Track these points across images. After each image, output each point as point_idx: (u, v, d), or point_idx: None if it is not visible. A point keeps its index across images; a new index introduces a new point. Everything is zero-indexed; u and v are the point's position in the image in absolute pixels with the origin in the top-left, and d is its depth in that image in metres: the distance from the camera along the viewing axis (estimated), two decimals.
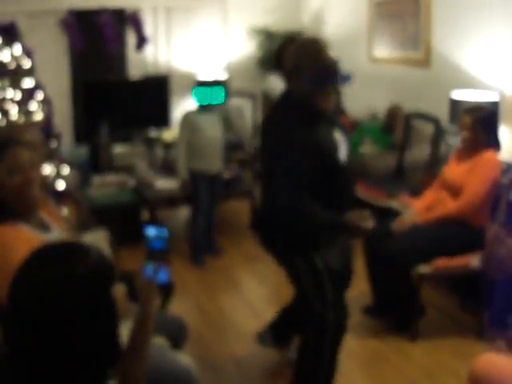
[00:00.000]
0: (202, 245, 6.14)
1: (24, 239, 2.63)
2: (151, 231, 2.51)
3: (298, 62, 3.33)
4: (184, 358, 3.01)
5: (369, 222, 3.38)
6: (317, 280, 3.48)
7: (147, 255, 2.48)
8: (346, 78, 3.48)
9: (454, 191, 4.54)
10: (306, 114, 3.34)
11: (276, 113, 3.59)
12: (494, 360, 2.93)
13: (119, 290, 2.75)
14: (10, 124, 5.66)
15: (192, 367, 2.98)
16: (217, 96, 6.04)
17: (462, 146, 4.66)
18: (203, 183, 5.95)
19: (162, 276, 2.46)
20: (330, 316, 3.49)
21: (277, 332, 4.31)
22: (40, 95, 5.95)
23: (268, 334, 4.32)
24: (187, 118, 5.96)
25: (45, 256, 1.90)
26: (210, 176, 5.99)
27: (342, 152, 3.44)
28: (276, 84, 5.23)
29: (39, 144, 3.84)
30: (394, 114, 6.78)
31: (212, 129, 5.97)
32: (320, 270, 3.46)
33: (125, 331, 2.34)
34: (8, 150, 2.77)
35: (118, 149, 7.44)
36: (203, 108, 6.00)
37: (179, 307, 4.49)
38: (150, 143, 7.49)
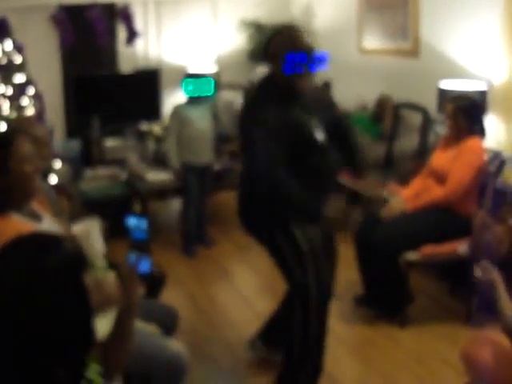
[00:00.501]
0: (194, 236, 6.20)
1: (16, 228, 2.67)
2: (132, 222, 2.55)
3: (277, 47, 3.56)
4: (174, 344, 3.07)
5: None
6: (297, 252, 3.58)
7: (130, 245, 2.52)
8: (322, 61, 3.65)
9: (440, 178, 4.62)
10: (282, 94, 3.54)
11: (254, 96, 3.80)
12: (484, 337, 2.99)
13: (111, 278, 2.81)
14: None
15: (183, 352, 3.03)
16: (206, 88, 6.10)
17: (446, 133, 4.77)
18: (193, 175, 6.02)
19: (144, 266, 2.48)
20: (312, 285, 3.57)
21: (267, 337, 4.32)
22: (31, 90, 6.00)
23: (258, 340, 4.32)
24: (177, 110, 6.05)
25: (17, 246, 1.97)
26: (200, 168, 6.06)
27: (319, 135, 3.59)
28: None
29: (47, 140, 3.89)
30: (382, 104, 6.83)
31: (201, 121, 6.03)
32: (300, 244, 3.56)
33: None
34: (19, 139, 2.83)
35: (110, 142, 7.46)
36: (192, 100, 6.05)
37: (171, 297, 4.55)
38: (142, 136, 7.51)
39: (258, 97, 3.69)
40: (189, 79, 6.10)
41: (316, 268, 3.58)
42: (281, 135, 3.41)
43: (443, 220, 4.56)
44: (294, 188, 3.50)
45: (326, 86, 7.31)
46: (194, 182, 6.05)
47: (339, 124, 3.93)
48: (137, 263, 2.47)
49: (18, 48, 6.01)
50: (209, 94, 6.21)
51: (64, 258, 1.93)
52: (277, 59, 3.54)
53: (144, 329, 2.97)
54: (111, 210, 6.10)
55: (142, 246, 2.53)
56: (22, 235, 2.03)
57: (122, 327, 2.40)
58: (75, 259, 1.98)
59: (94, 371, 2.10)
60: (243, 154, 3.82)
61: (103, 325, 2.44)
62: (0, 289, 1.88)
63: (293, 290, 3.72)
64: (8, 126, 5.48)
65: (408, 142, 6.37)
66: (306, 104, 3.61)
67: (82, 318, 1.99)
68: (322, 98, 4.24)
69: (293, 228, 3.56)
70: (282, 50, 3.52)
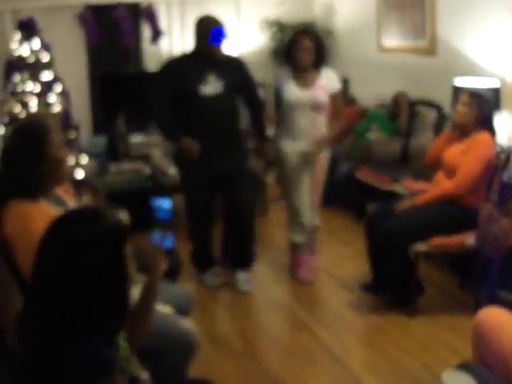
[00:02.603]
0: None
1: (43, 213, 2.90)
2: (157, 202, 2.77)
3: (195, 27, 5.05)
4: (186, 323, 3.25)
5: (194, 146, 4.92)
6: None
7: (154, 224, 2.73)
8: (219, 35, 4.94)
9: (450, 172, 4.70)
10: (193, 56, 5.07)
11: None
12: (495, 313, 3.10)
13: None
14: (33, 113, 5.91)
15: (193, 330, 3.22)
16: None
17: (456, 121, 4.77)
18: None
19: (168, 242, 2.72)
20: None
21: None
22: (58, 88, 6.15)
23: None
24: None
25: (68, 219, 2.23)
26: None
27: (209, 88, 4.94)
28: (282, 78, 5.35)
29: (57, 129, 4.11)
30: (398, 101, 6.93)
31: None
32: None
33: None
34: (52, 128, 3.09)
35: (135, 138, 7.65)
36: None
37: (188, 283, 4.75)
38: None
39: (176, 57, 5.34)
40: None
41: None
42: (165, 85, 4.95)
43: (452, 212, 4.63)
44: (163, 120, 5.08)
45: (344, 82, 7.41)
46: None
47: (247, 84, 5.35)
48: (161, 240, 2.70)
49: (46, 46, 6.15)
50: None
51: (108, 229, 2.18)
52: (195, 34, 5.02)
53: (160, 309, 3.15)
54: (135, 203, 6.29)
55: (165, 225, 2.76)
56: (71, 210, 2.30)
57: (146, 302, 2.61)
58: (118, 230, 2.22)
59: (121, 337, 2.32)
60: None
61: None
62: (52, 260, 2.13)
63: None
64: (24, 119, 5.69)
65: (423, 139, 6.47)
66: (216, 65, 4.99)
67: (120, 286, 2.23)
68: (231, 60, 5.29)
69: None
70: (197, 27, 5.02)
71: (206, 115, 4.96)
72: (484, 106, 4.76)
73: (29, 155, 2.95)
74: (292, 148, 5.24)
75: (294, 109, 5.17)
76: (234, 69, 5.19)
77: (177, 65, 5.09)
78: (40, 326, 2.15)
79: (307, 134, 5.20)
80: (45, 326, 2.14)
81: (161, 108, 4.98)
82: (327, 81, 5.21)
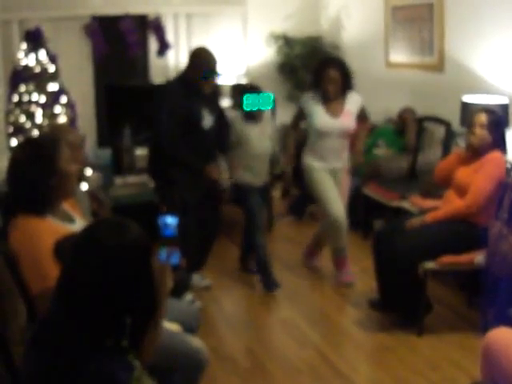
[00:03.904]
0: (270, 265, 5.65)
1: (51, 230, 2.89)
2: (163, 219, 2.75)
3: (191, 58, 5.11)
4: (195, 340, 3.20)
5: (216, 174, 5.13)
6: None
7: (160, 242, 2.70)
8: (214, 74, 5.12)
9: (461, 191, 4.65)
10: (191, 89, 5.03)
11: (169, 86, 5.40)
12: (506, 333, 3.06)
13: None
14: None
15: (203, 348, 3.17)
16: (265, 103, 5.72)
17: (473, 144, 4.66)
18: (255, 197, 5.69)
19: (174, 259, 2.71)
20: None
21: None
22: (64, 99, 6.14)
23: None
24: (232, 124, 5.71)
25: (99, 228, 2.25)
26: (259, 189, 5.79)
27: (206, 123, 5.07)
28: (311, 104, 5.44)
29: (80, 145, 4.10)
30: (404, 117, 6.91)
31: (261, 140, 5.72)
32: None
33: None
34: (63, 142, 3.11)
35: (140, 151, 7.61)
36: (250, 116, 5.66)
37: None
38: None
39: (172, 87, 5.19)
40: (249, 94, 5.62)
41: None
42: (175, 115, 4.92)
43: (462, 231, 4.57)
44: (184, 153, 5.04)
45: None
46: (258, 205, 5.66)
47: (221, 115, 5.49)
48: (168, 257, 2.69)
49: (52, 57, 6.14)
50: (268, 108, 5.86)
51: (138, 237, 2.22)
52: (189, 65, 5.09)
53: (167, 327, 3.11)
54: (140, 217, 6.25)
55: (171, 242, 2.73)
56: (101, 219, 2.31)
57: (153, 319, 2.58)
58: (146, 240, 2.26)
59: (133, 356, 2.31)
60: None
61: None
62: (87, 263, 2.16)
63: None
64: (44, 131, 5.67)
65: (431, 155, 6.44)
66: (205, 99, 5.09)
67: (149, 293, 2.29)
68: (215, 97, 5.52)
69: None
70: (192, 62, 5.07)
71: (206, 146, 5.15)
72: (501, 127, 4.72)
73: (39, 168, 2.92)
74: (319, 165, 5.47)
75: (324, 136, 5.39)
76: (214, 98, 5.50)
77: (177, 101, 4.99)
78: (64, 339, 2.15)
79: (334, 154, 5.47)
80: (69, 339, 2.15)
81: (179, 146, 5.03)
82: (353, 105, 5.44)
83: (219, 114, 5.47)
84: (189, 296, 4.99)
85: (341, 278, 5.63)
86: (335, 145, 5.42)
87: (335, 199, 5.42)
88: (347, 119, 5.38)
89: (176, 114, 4.92)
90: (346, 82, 5.36)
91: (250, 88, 5.76)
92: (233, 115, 5.82)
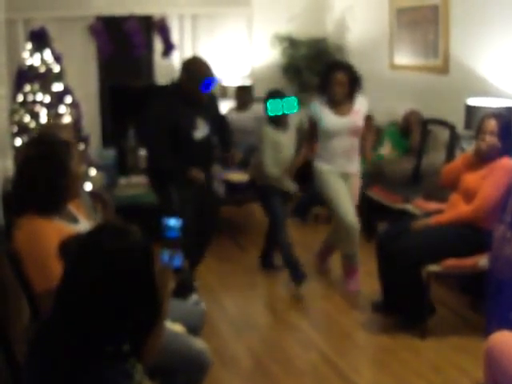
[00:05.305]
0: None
1: (56, 230, 2.89)
2: (166, 221, 2.74)
3: (186, 67, 5.14)
4: (198, 342, 3.20)
5: (201, 175, 5.06)
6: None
7: (163, 243, 2.70)
8: (210, 84, 5.10)
9: (468, 196, 4.63)
10: (185, 99, 5.06)
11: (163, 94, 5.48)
12: (509, 337, 3.06)
13: None
14: (46, 123, 5.89)
15: (206, 350, 3.17)
16: (290, 107, 5.56)
17: (483, 150, 4.64)
18: (278, 198, 5.72)
19: (177, 261, 2.71)
20: None
21: None
22: (68, 99, 6.13)
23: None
24: (268, 134, 5.59)
25: (100, 233, 2.24)
26: (283, 191, 5.77)
27: (199, 132, 5.12)
28: (319, 109, 5.41)
29: (73, 143, 4.10)
30: (409, 119, 6.91)
31: (289, 147, 5.70)
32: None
33: None
34: (71, 145, 3.11)
35: (144, 152, 7.61)
36: (276, 121, 5.56)
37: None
38: None
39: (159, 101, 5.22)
40: (274, 99, 5.51)
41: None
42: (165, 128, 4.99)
43: (466, 235, 4.56)
44: (170, 162, 5.08)
45: None
46: (280, 206, 5.70)
47: (220, 120, 5.58)
48: (170, 259, 2.69)
49: (57, 57, 6.14)
50: (293, 112, 5.66)
51: (139, 242, 2.22)
52: (185, 75, 5.09)
53: (170, 327, 3.10)
54: (144, 218, 6.25)
55: (174, 244, 2.74)
56: (103, 223, 2.30)
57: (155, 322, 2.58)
58: (147, 244, 2.25)
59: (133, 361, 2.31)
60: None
61: None
62: (92, 265, 2.14)
63: None
64: (37, 131, 5.66)
65: (436, 158, 6.43)
66: (201, 108, 5.13)
67: (151, 298, 2.27)
68: (211, 103, 5.43)
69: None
70: (200, 74, 5.03)
71: (196, 155, 5.13)
72: (510, 133, 4.69)
73: (54, 168, 2.92)
74: (330, 168, 5.44)
75: (334, 135, 5.38)
76: (211, 105, 5.41)
77: (170, 111, 5.03)
78: (64, 345, 2.14)
79: (345, 156, 5.45)
80: (69, 345, 2.13)
81: (166, 154, 5.09)
82: (361, 107, 5.44)
83: (219, 118, 5.58)
84: (194, 297, 4.97)
85: (349, 287, 5.56)
86: (346, 145, 5.39)
87: (348, 204, 5.41)
88: (356, 117, 5.39)
89: (163, 127, 4.99)
90: (353, 86, 5.38)
91: (273, 93, 5.62)
92: (265, 128, 5.63)
